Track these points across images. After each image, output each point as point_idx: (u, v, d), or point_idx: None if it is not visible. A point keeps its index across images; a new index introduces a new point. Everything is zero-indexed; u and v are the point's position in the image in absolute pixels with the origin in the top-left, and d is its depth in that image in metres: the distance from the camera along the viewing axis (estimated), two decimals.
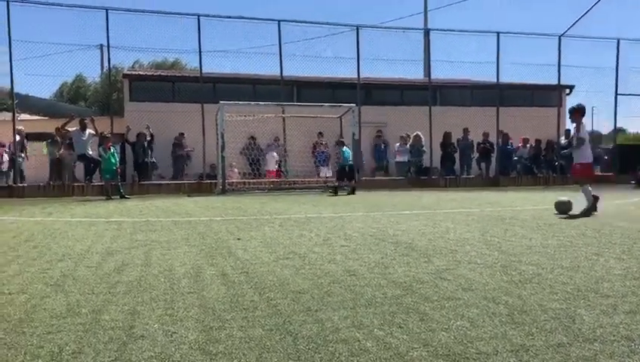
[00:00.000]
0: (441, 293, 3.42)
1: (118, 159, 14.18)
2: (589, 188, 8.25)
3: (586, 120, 8.99)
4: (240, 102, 16.43)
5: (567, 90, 23.28)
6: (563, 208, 8.18)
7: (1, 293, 3.58)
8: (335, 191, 14.28)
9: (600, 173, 21.94)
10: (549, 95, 22.43)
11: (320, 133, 18.63)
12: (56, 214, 9.38)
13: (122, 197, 13.41)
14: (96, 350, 2.48)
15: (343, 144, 15.66)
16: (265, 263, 4.49)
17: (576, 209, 8.07)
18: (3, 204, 12.35)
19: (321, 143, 18.75)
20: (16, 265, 4.57)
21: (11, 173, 15.75)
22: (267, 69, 18.80)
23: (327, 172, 17.96)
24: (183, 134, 17.78)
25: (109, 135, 14.45)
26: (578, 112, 8.60)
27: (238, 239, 5.92)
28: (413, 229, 6.59)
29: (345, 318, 2.91)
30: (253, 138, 18.53)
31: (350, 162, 15.13)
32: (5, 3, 15.23)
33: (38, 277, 4.07)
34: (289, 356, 2.40)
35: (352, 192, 14.36)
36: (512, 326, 2.75)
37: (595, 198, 8.18)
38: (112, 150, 13.92)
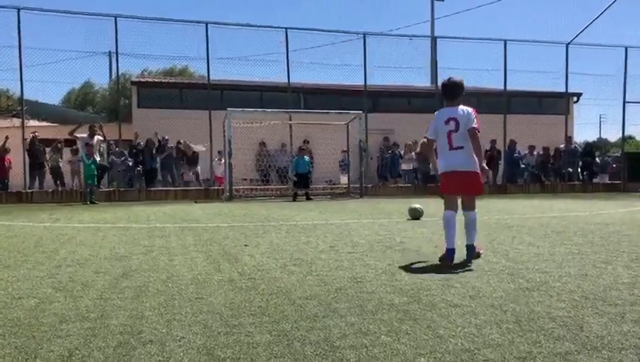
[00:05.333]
0: (448, 301, 3.42)
1: (97, 166, 14.85)
2: (446, 211, 5.36)
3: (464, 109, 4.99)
4: (247, 110, 16.51)
5: (575, 98, 23.29)
6: (414, 214, 8.97)
7: (10, 297, 3.61)
8: (294, 197, 15.55)
9: (608, 181, 21.88)
10: (556, 102, 22.43)
11: (305, 140, 18.23)
12: (64, 220, 9.44)
13: (92, 202, 14.06)
14: (105, 354, 2.50)
15: (304, 153, 16.29)
16: (272, 269, 4.50)
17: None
18: (12, 209, 12.45)
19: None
20: (25, 269, 4.61)
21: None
22: (274, 76, 18.89)
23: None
24: (165, 137, 17.51)
25: (93, 142, 14.69)
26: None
27: (245, 245, 5.94)
28: (420, 236, 6.58)
29: (352, 325, 2.92)
30: (263, 144, 18.54)
31: (306, 171, 16.01)
32: (16, 11, 15.44)
33: (46, 281, 4.10)
34: (297, 361, 2.41)
35: (308, 198, 15.62)
36: (519, 334, 2.74)
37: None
38: (95, 157, 14.61)
